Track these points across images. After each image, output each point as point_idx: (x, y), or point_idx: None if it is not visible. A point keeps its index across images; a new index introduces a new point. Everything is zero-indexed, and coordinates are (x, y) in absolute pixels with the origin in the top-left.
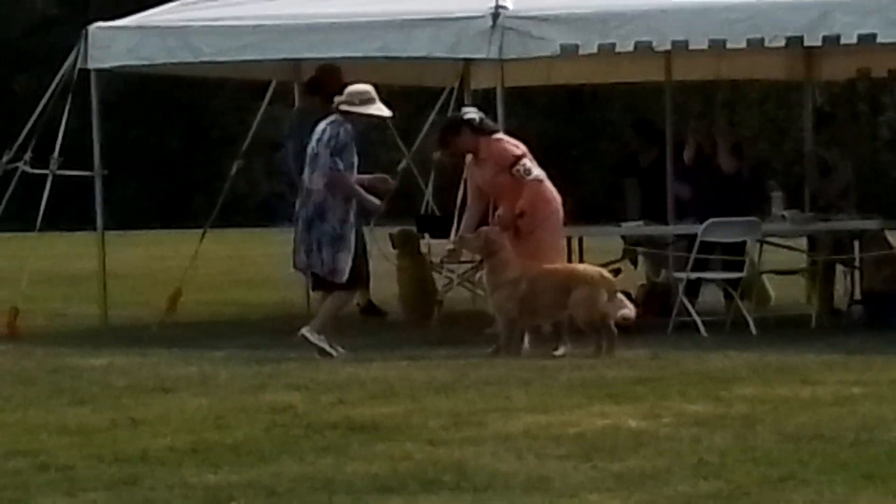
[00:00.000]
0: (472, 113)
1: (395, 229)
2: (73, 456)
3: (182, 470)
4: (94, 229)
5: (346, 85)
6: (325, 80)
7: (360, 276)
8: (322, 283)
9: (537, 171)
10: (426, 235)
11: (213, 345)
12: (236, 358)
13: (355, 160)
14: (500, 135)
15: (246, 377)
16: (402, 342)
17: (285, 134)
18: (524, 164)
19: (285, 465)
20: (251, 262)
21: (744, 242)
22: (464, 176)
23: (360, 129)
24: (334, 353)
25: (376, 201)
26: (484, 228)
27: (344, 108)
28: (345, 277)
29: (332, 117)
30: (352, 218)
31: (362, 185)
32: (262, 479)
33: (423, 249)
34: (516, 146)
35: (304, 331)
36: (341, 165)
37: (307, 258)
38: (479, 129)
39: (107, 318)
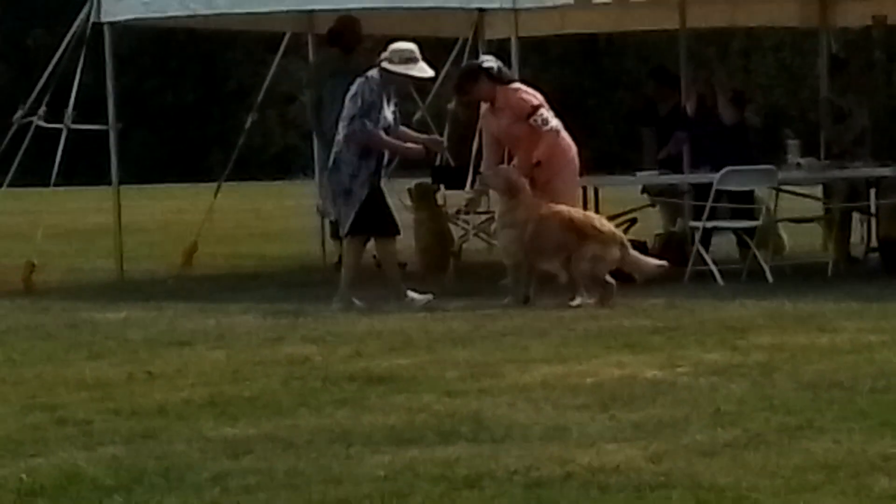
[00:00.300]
0: (490, 61)
1: (413, 183)
2: (90, 410)
3: (199, 423)
4: (110, 183)
5: (358, 35)
6: (344, 32)
7: (367, 227)
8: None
9: (554, 122)
10: (442, 187)
11: (230, 298)
12: (253, 311)
13: (388, 115)
14: (518, 84)
15: (263, 330)
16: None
17: (304, 85)
18: (542, 114)
19: (302, 418)
20: (267, 215)
21: (751, 191)
22: (479, 126)
23: (400, 88)
24: (425, 298)
25: (418, 147)
26: (503, 167)
27: (385, 65)
28: (345, 231)
29: (370, 73)
30: (363, 173)
31: (415, 144)
32: (279, 432)
33: (440, 201)
34: (534, 96)
35: (334, 306)
36: (370, 125)
37: (331, 206)
38: (497, 78)
39: (123, 273)
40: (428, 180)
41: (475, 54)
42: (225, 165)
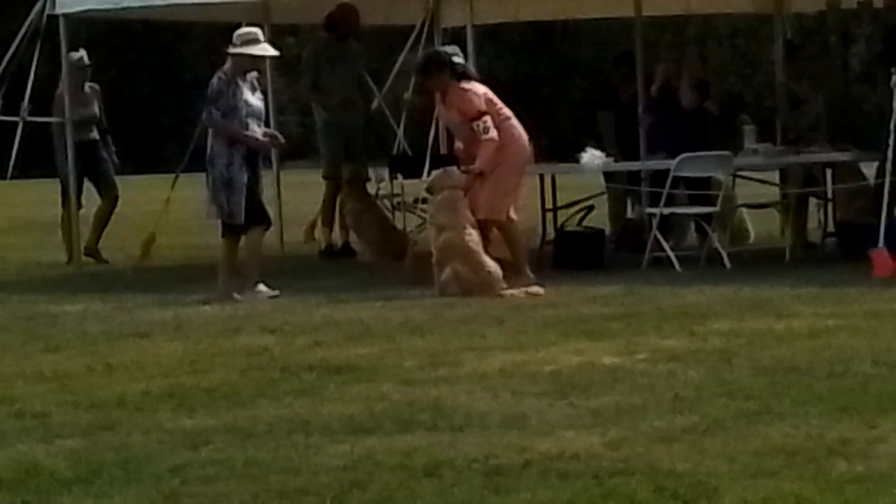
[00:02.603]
0: (459, 58)
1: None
2: (48, 402)
3: (158, 415)
4: None
5: (354, 24)
6: (341, 20)
7: (260, 213)
8: (229, 228)
9: (493, 133)
10: (399, 175)
11: (188, 289)
12: (210, 302)
13: (253, 101)
14: (468, 84)
15: (221, 321)
16: (377, 283)
17: (299, 70)
18: (484, 122)
19: (262, 408)
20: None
21: (708, 178)
22: (435, 115)
23: (249, 71)
24: (265, 289)
25: (261, 138)
26: (452, 172)
27: (229, 49)
28: (241, 219)
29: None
30: (237, 161)
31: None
32: (238, 423)
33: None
34: (482, 98)
35: (239, 297)
36: (215, 113)
37: (211, 207)
38: (459, 75)
39: (80, 265)
40: (361, 167)
41: (430, 42)
42: (181, 156)
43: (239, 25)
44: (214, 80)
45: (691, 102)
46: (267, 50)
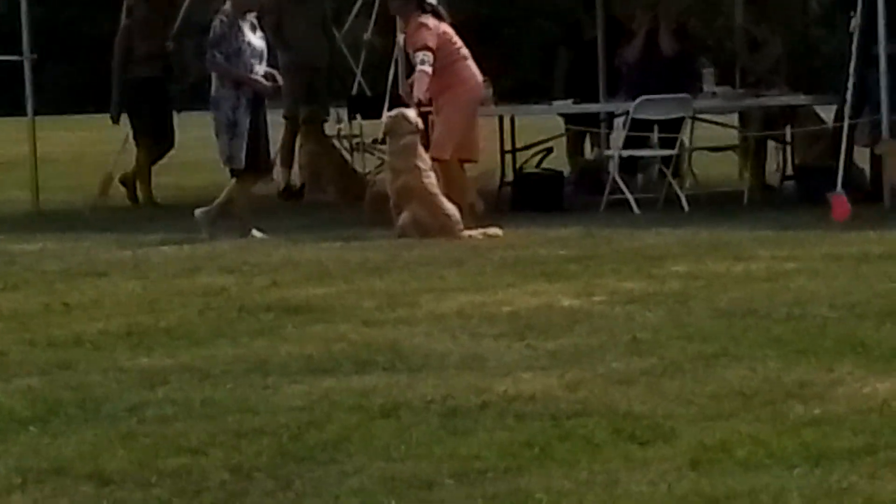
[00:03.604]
0: None
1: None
2: (5, 341)
3: (116, 354)
4: (25, 114)
5: None
6: None
7: (260, 160)
8: (233, 171)
9: (427, 67)
10: (358, 116)
11: (146, 229)
12: (169, 242)
13: (255, 42)
14: (426, 18)
15: (179, 261)
16: (336, 224)
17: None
18: (422, 55)
19: (219, 348)
20: (183, 146)
21: (680, 121)
22: (394, 55)
23: (248, 10)
24: (259, 234)
25: (265, 82)
26: (404, 112)
27: None
28: (242, 163)
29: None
30: (244, 104)
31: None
32: (195, 362)
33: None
34: (431, 33)
35: (198, 212)
36: (219, 56)
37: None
38: (424, 9)
39: (38, 204)
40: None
41: None
42: None
43: None
44: (216, 22)
45: (671, 49)
46: None
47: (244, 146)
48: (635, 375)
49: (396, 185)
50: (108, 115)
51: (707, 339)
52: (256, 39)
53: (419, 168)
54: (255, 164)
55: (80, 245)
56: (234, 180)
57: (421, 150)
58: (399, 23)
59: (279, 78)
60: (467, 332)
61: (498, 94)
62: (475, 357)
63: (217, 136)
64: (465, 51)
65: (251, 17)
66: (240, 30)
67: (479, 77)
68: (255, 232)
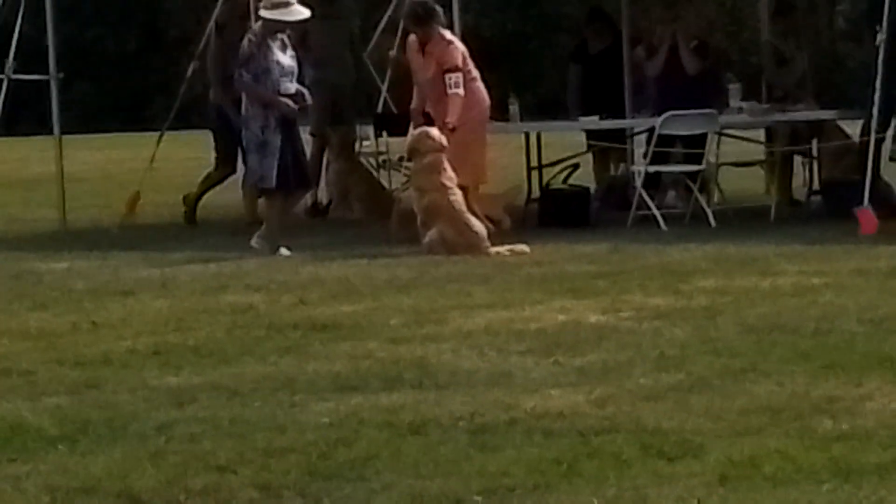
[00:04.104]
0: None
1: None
2: (34, 360)
3: (144, 372)
4: (52, 133)
5: None
6: None
7: (290, 179)
8: (264, 191)
9: (461, 90)
10: (384, 133)
11: (173, 247)
12: (196, 259)
13: (284, 61)
14: (450, 35)
15: (206, 278)
16: (362, 241)
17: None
18: (457, 76)
19: (247, 366)
20: (209, 164)
21: (704, 136)
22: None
23: (278, 31)
24: (286, 252)
25: (290, 103)
26: (427, 130)
27: (261, 13)
28: (273, 183)
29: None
30: (273, 123)
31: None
32: (223, 381)
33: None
34: (458, 52)
35: (253, 241)
36: (247, 76)
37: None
38: (444, 24)
39: (66, 222)
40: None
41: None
42: (167, 114)
43: None
44: (245, 42)
45: (694, 67)
46: (297, 14)
47: (275, 165)
48: (663, 391)
49: (423, 203)
50: (134, 134)
51: (735, 355)
52: (286, 58)
53: (445, 186)
54: (286, 183)
55: (108, 263)
56: (264, 200)
57: (447, 166)
58: (411, 41)
59: (308, 97)
60: (495, 349)
61: (523, 109)
62: (503, 374)
63: (246, 155)
64: (475, 71)
65: (282, 35)
66: (269, 49)
67: (487, 100)
68: (282, 250)
